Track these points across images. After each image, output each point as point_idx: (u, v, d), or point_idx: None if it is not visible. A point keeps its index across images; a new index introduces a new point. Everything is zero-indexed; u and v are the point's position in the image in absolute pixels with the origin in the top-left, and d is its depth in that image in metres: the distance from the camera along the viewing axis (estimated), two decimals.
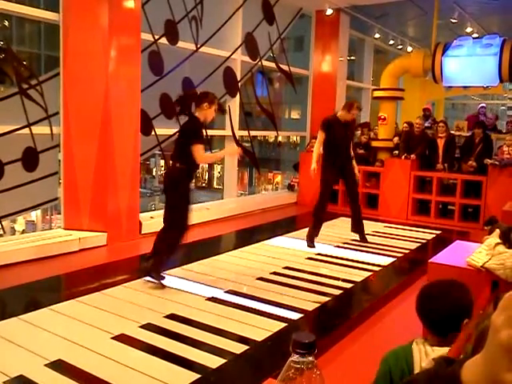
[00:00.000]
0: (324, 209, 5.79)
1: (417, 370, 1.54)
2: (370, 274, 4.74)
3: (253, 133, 8.56)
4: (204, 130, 4.38)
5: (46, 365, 2.77)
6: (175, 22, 6.56)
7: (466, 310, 1.65)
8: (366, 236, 6.07)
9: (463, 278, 2.70)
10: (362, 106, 6.06)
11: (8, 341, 3.06)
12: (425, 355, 1.57)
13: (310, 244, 5.68)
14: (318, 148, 5.60)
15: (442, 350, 1.55)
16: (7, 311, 3.72)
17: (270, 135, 12.21)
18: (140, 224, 5.92)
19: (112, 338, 3.14)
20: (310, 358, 0.79)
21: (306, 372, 0.79)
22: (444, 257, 2.78)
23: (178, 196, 4.15)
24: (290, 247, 5.67)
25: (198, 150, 4.04)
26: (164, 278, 4.22)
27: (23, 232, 7.57)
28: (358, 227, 6.03)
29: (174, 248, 4.25)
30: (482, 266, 2.40)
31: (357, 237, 6.03)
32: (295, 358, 0.78)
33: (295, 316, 3.60)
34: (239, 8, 7.57)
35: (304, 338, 0.79)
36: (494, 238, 2.55)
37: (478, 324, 1.27)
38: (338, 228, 6.74)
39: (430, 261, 2.69)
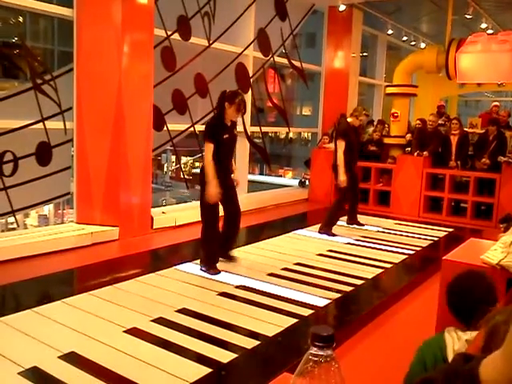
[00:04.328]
0: (340, 212, 6.20)
1: (450, 353, 1.64)
2: (381, 270, 4.72)
3: (264, 129, 8.56)
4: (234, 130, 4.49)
5: (59, 357, 2.80)
6: (188, 17, 6.57)
7: (488, 300, 1.78)
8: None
9: None
10: (368, 112, 6.58)
11: (22, 333, 3.09)
12: (457, 339, 1.66)
13: (331, 234, 6.03)
14: (343, 156, 5.78)
15: (475, 333, 1.60)
16: (21, 304, 3.76)
17: (282, 131, 12.18)
18: (152, 219, 5.95)
19: (124, 332, 3.16)
20: (329, 351, 0.79)
21: (324, 365, 0.79)
22: (458, 254, 2.76)
23: (201, 191, 4.32)
24: (301, 243, 5.67)
25: (207, 149, 4.24)
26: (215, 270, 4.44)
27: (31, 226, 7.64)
28: (355, 218, 6.57)
29: (211, 239, 4.45)
30: (497, 264, 2.38)
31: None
32: (314, 350, 0.78)
33: (306, 312, 3.61)
34: (252, 4, 7.55)
35: (322, 331, 0.78)
36: (510, 235, 2.52)
37: (489, 320, 1.27)
38: (348, 225, 6.68)
39: (444, 258, 2.67)
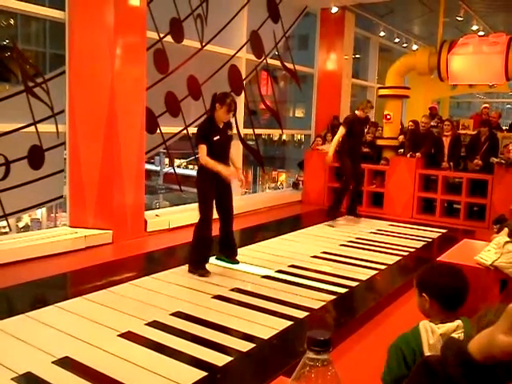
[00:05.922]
0: (347, 189, 6.89)
1: (425, 347, 1.64)
2: (375, 272, 4.72)
3: (258, 131, 8.56)
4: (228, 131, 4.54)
5: (53, 362, 2.78)
6: (180, 20, 6.56)
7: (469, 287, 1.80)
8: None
9: (472, 277, 2.69)
10: (373, 104, 7.10)
11: (15, 338, 3.07)
12: (431, 333, 1.65)
13: (331, 223, 6.69)
14: (337, 140, 6.62)
15: (447, 326, 1.65)
16: (15, 308, 3.72)
17: (275, 133, 12.21)
18: (145, 222, 5.93)
19: (118, 336, 3.14)
20: (325, 356, 0.78)
21: (320, 369, 0.78)
22: (452, 255, 2.77)
23: (198, 192, 4.41)
24: (295, 245, 5.66)
25: (200, 151, 4.31)
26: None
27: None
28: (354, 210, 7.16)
29: (202, 240, 4.42)
30: (490, 265, 2.39)
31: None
32: (310, 355, 0.78)
33: (301, 314, 3.60)
34: (244, 6, 7.55)
35: (319, 336, 0.78)
36: (503, 236, 2.54)
37: (480, 318, 1.28)
38: (342, 226, 6.75)
39: (438, 259, 2.68)
